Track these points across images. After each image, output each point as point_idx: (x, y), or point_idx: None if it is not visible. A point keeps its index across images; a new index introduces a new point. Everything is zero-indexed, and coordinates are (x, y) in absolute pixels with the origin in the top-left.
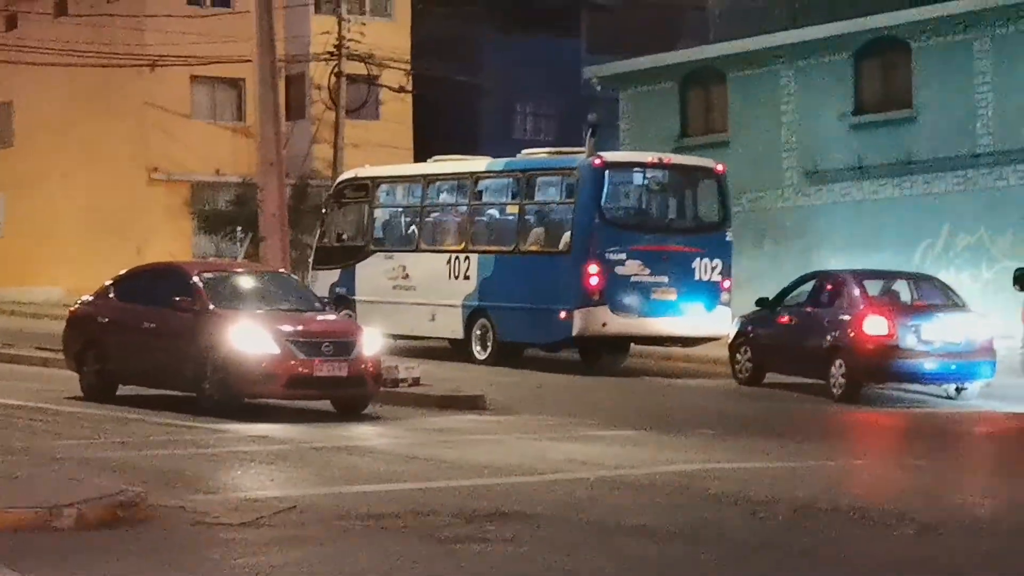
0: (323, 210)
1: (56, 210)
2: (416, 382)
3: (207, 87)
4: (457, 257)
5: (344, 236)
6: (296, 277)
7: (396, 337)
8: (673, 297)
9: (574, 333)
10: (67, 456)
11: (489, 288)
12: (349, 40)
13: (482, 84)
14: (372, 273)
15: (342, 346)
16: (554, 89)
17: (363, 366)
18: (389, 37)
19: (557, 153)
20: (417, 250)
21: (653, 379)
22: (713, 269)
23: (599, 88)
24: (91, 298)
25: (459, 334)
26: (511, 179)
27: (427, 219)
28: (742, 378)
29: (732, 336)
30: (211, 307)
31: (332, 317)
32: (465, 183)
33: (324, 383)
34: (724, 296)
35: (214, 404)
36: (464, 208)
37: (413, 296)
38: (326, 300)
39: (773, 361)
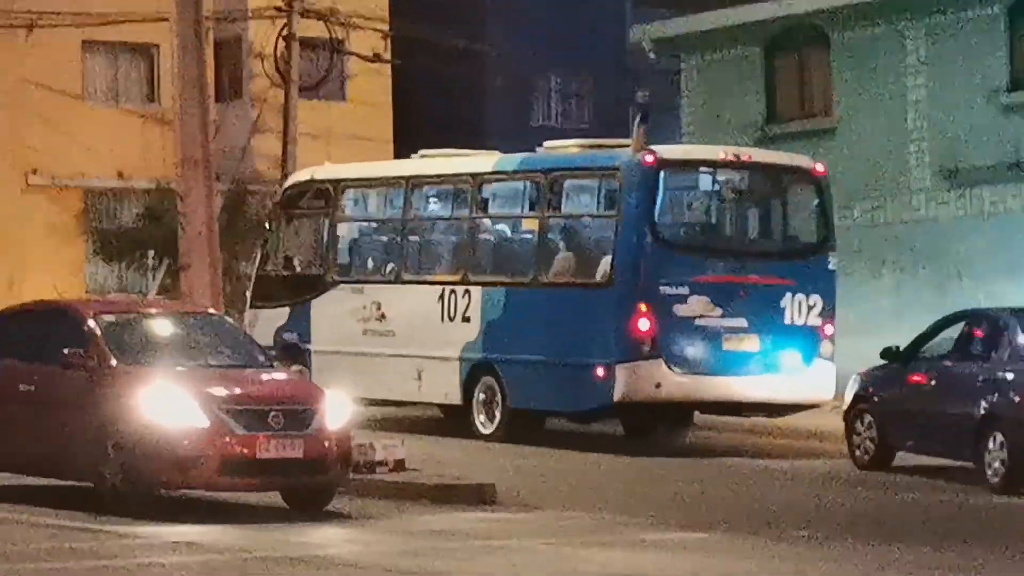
0: (266, 226)
1: None
2: (400, 466)
3: (106, 57)
4: (454, 291)
5: (295, 262)
6: (232, 320)
7: (369, 402)
8: (754, 347)
9: (616, 398)
10: None
11: (498, 334)
12: None
13: (487, 52)
14: (335, 313)
15: (296, 416)
16: (588, 58)
17: (325, 444)
18: None
19: (592, 147)
20: (397, 281)
21: (733, 461)
22: (810, 309)
23: (652, 56)
24: None
25: (456, 398)
26: (529, 183)
27: (411, 238)
28: (863, 459)
29: (848, 402)
30: (113, 363)
31: (282, 376)
32: (465, 188)
33: (272, 467)
34: (826, 346)
35: (118, 498)
36: (464, 223)
37: (392, 345)
38: (272, 351)
39: (905, 436)
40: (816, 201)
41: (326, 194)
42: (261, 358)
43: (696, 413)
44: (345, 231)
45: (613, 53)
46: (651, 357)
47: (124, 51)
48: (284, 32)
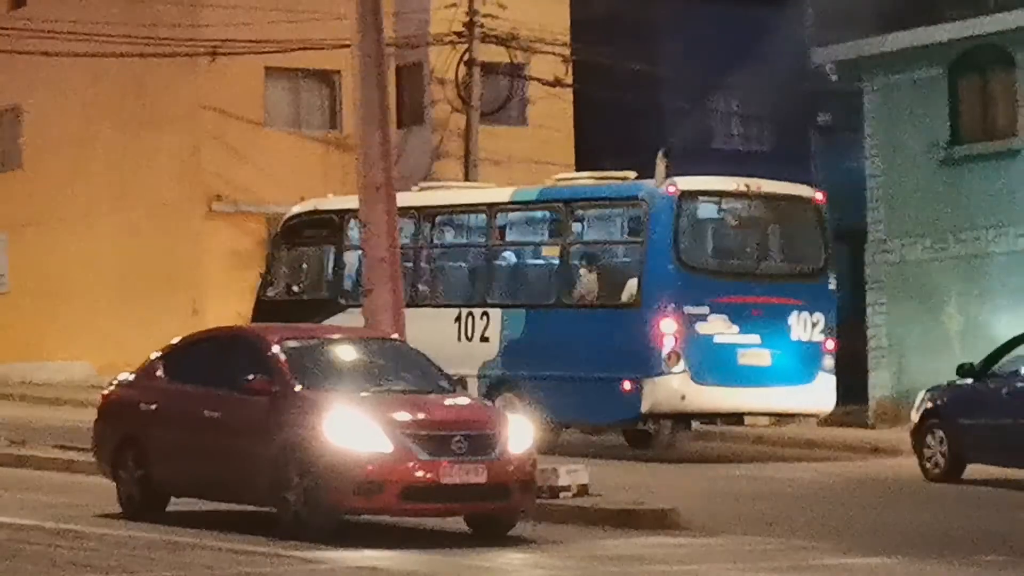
0: (269, 254)
1: (79, 256)
2: (583, 491)
3: (287, 83)
4: (471, 313)
5: (299, 287)
6: (413, 346)
7: None
8: (766, 362)
9: (643, 410)
10: None
11: (518, 352)
12: (484, 16)
13: (666, 74)
14: None
15: (480, 441)
16: (767, 81)
17: (509, 469)
18: (539, 12)
19: (601, 179)
20: (411, 305)
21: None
22: (814, 326)
23: (835, 78)
24: (131, 377)
25: None
26: (549, 212)
27: (425, 264)
28: (934, 472)
29: (918, 417)
30: (297, 388)
31: (464, 401)
32: (482, 217)
33: (455, 493)
34: (827, 360)
35: (301, 523)
36: (481, 250)
37: None
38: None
39: (980, 448)
40: (817, 227)
41: (331, 223)
42: (444, 383)
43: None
44: (353, 258)
45: (793, 75)
46: (677, 372)
47: (305, 77)
48: (465, 57)
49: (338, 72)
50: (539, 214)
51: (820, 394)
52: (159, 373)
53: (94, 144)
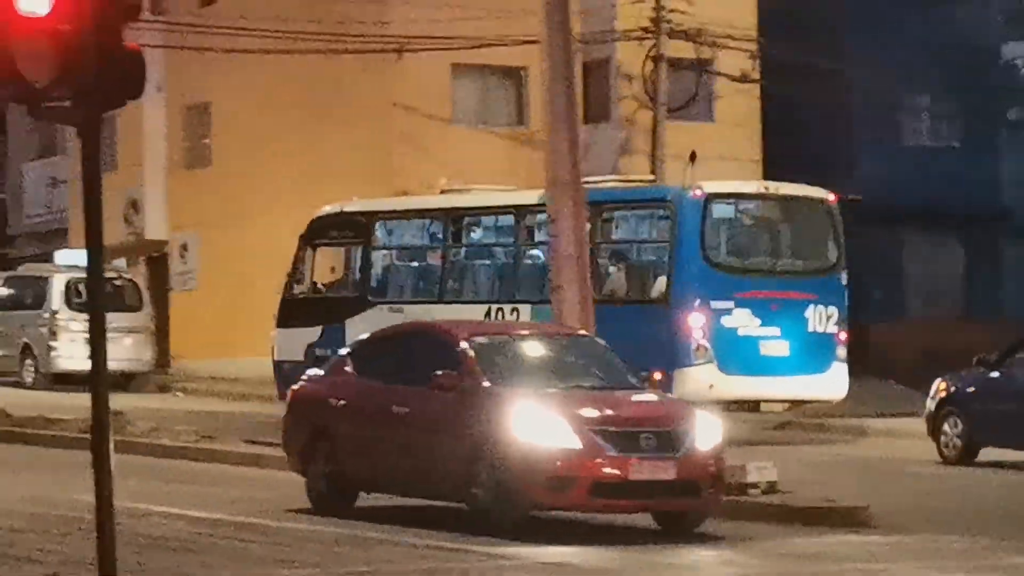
0: (296, 254)
1: (266, 252)
2: (772, 488)
3: (474, 80)
4: (501, 309)
5: (325, 286)
6: (602, 342)
7: None
8: (785, 352)
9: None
10: None
11: None
12: (671, 11)
13: (855, 71)
14: (371, 331)
15: (667, 438)
16: (957, 76)
17: (698, 465)
18: (727, 7)
19: (624, 181)
20: (440, 301)
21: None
22: (828, 319)
23: None
24: (321, 373)
25: None
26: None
27: (455, 263)
28: (950, 455)
29: (934, 405)
30: (485, 384)
31: (653, 397)
32: (511, 219)
33: (643, 489)
34: (840, 351)
35: (489, 519)
36: (511, 249)
37: None
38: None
39: (993, 432)
40: (830, 227)
41: (358, 225)
42: (632, 379)
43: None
44: (381, 258)
45: (983, 70)
46: (705, 362)
47: (492, 74)
48: (652, 53)
49: (525, 68)
50: None
51: (834, 382)
52: (348, 368)
53: (281, 141)
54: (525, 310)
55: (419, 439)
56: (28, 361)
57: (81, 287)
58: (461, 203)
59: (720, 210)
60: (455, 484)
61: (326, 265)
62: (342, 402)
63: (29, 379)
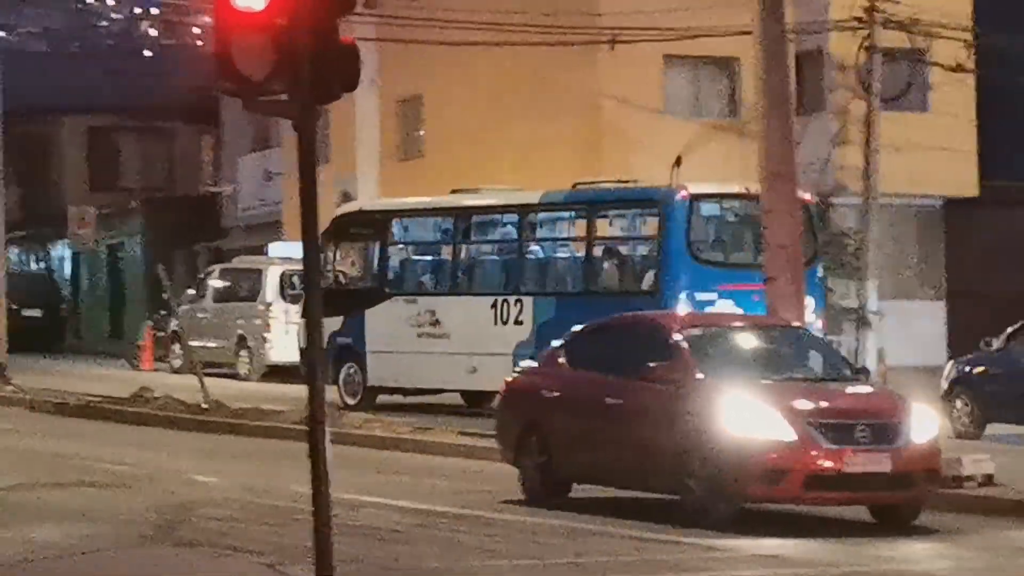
0: (319, 249)
1: None
2: (988, 480)
3: (686, 71)
4: (506, 301)
5: (346, 279)
6: (816, 333)
7: (419, 392)
8: None
9: None
10: None
11: (550, 334)
12: (884, 2)
13: None
14: (389, 320)
15: (883, 430)
16: None
17: (913, 458)
18: None
19: (617, 183)
20: (452, 293)
21: None
22: (805, 308)
23: None
24: (534, 365)
25: None
26: (575, 212)
27: (464, 258)
28: (960, 431)
29: (947, 384)
30: (698, 376)
31: (867, 389)
32: (515, 217)
33: (857, 482)
34: (818, 333)
35: (702, 510)
36: (514, 245)
37: (445, 345)
38: (859, 366)
39: (996, 409)
40: (806, 223)
41: (377, 222)
42: (846, 371)
43: None
44: (397, 253)
45: None
46: None
47: (705, 65)
48: (865, 43)
49: (737, 59)
50: (567, 214)
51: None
52: (561, 360)
53: (493, 133)
54: (528, 302)
55: (632, 431)
56: (243, 353)
57: (295, 279)
58: (469, 202)
59: (704, 209)
60: (668, 476)
61: (348, 260)
62: (555, 394)
63: (244, 370)
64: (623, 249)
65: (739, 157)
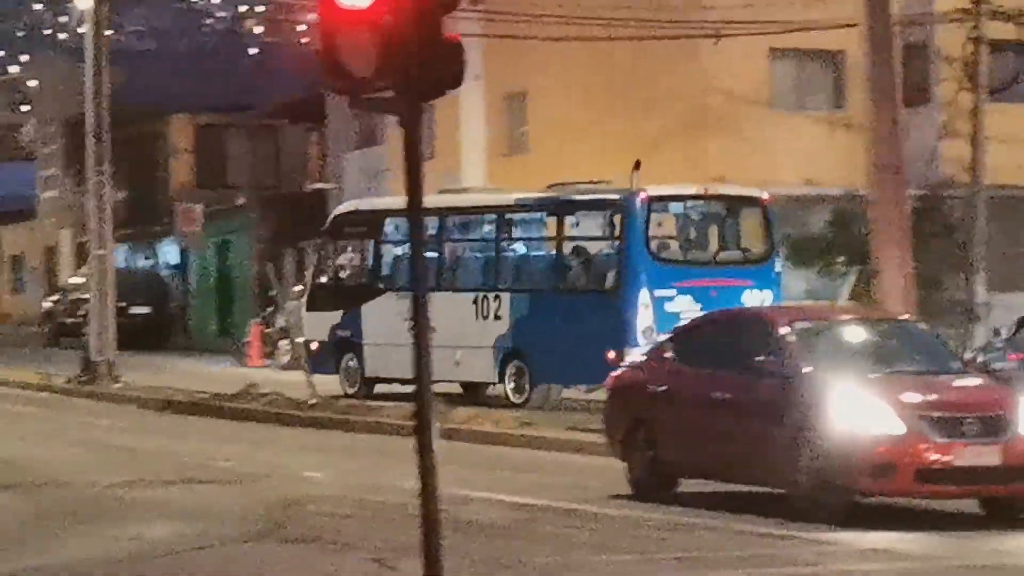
0: (319, 246)
1: None
2: None
3: (792, 64)
4: (486, 296)
5: (345, 275)
6: (925, 326)
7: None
8: None
9: None
10: None
11: (525, 328)
12: None
13: None
14: (382, 314)
15: (992, 422)
16: None
17: (1022, 451)
18: None
19: (589, 183)
20: (437, 289)
21: None
22: (763, 301)
23: None
24: (641, 359)
25: (492, 377)
26: (546, 213)
27: (447, 256)
28: None
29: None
30: (805, 370)
31: (976, 382)
32: (493, 218)
33: (968, 475)
34: None
35: (811, 504)
36: (492, 244)
37: (433, 339)
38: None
39: None
40: (763, 222)
41: (371, 222)
42: (955, 364)
43: None
44: (389, 251)
45: None
46: (650, 343)
47: (810, 57)
48: (972, 35)
49: (843, 52)
50: (539, 215)
51: None
52: (668, 355)
53: (598, 128)
54: (505, 298)
55: (740, 425)
56: None
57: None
58: (452, 203)
59: (662, 210)
60: (776, 470)
61: (346, 257)
62: (662, 388)
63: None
64: (590, 248)
65: (845, 150)
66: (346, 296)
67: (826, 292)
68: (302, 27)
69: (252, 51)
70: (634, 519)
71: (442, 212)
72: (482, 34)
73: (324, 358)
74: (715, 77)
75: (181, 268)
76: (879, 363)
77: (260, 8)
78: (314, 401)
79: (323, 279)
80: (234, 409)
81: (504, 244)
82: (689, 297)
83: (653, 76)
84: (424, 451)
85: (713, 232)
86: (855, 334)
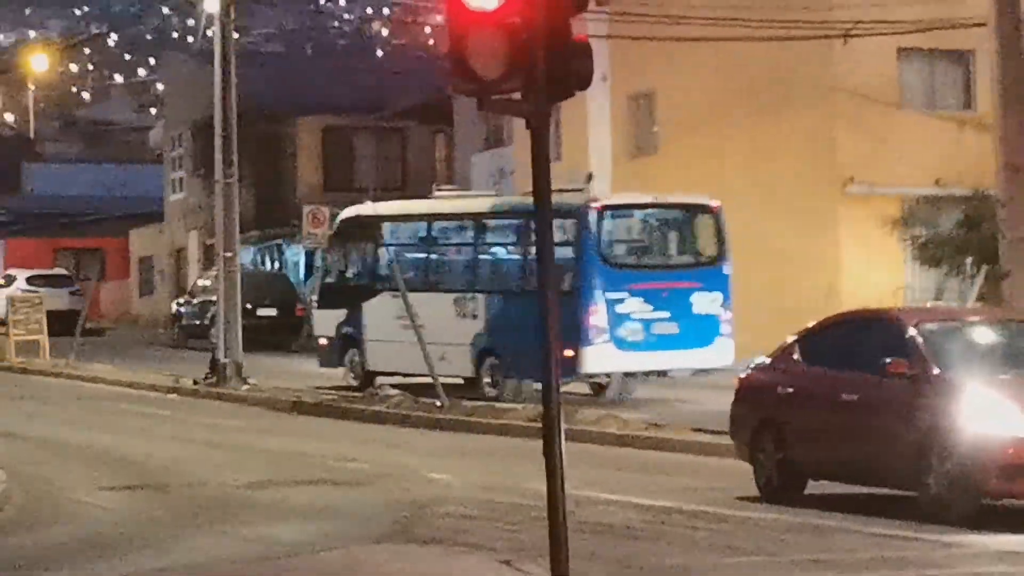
0: (327, 248)
1: None
2: None
3: (921, 63)
4: (464, 297)
5: (349, 275)
6: (725, 325)
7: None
8: (675, 331)
9: (581, 370)
10: None
11: (497, 327)
12: None
13: None
14: (380, 312)
15: None
16: None
17: None
18: None
19: (557, 191)
20: (423, 290)
21: None
22: (712, 302)
23: None
24: (768, 361)
25: (469, 372)
26: (515, 220)
27: (433, 258)
28: None
29: None
30: (935, 371)
31: None
32: (470, 223)
33: None
34: (725, 327)
35: (941, 506)
36: (470, 248)
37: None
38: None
39: None
40: (714, 228)
41: (371, 226)
42: None
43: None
44: (385, 253)
45: None
46: (604, 342)
47: (940, 57)
48: None
49: (972, 51)
50: (510, 221)
51: (720, 353)
52: (796, 356)
53: (724, 127)
54: (481, 299)
55: (868, 427)
56: None
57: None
58: (437, 209)
59: (615, 219)
60: (905, 472)
61: (350, 258)
62: (790, 390)
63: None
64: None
65: (974, 150)
66: (349, 295)
67: (955, 293)
68: (428, 29)
69: (379, 53)
70: (762, 521)
71: (430, 217)
72: (609, 35)
73: (332, 353)
74: (843, 77)
75: (307, 270)
76: (1009, 364)
77: (387, 10)
78: (442, 403)
79: (330, 279)
80: (361, 411)
81: (481, 248)
82: (640, 299)
83: (781, 76)
84: (551, 453)
85: (665, 238)
86: (984, 335)
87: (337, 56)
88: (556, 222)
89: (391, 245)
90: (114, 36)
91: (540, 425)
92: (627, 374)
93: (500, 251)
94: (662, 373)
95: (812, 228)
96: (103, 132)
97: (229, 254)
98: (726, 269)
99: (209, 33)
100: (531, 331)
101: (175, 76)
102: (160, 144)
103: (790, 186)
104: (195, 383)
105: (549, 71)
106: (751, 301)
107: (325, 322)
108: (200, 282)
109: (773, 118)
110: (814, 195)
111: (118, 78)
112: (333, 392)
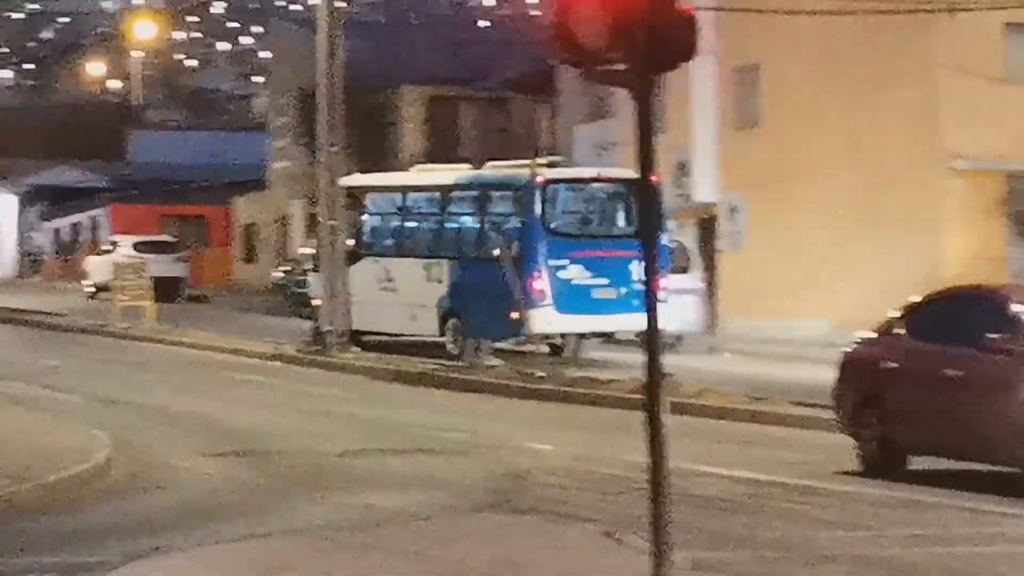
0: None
1: (814, 213)
2: None
3: None
4: (430, 262)
5: (348, 241)
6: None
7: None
8: (613, 296)
9: (527, 332)
10: (837, 553)
11: (458, 291)
12: None
13: None
14: (362, 275)
15: None
16: None
17: None
18: None
19: (517, 166)
20: (397, 255)
21: None
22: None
23: None
24: (873, 336)
25: (435, 332)
26: (474, 192)
27: (406, 226)
28: None
29: None
30: None
31: None
32: (438, 194)
33: None
34: (660, 294)
35: None
36: (437, 218)
37: (396, 298)
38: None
39: None
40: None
41: (355, 196)
42: None
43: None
44: (368, 221)
45: None
46: (546, 306)
47: None
48: None
49: None
50: (471, 193)
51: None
52: (899, 331)
53: (828, 101)
54: (445, 264)
55: (971, 403)
56: None
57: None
58: (411, 181)
59: (557, 191)
60: (1006, 448)
61: (348, 225)
62: (893, 365)
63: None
64: (502, 224)
65: None
66: (349, 259)
67: None
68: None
69: (483, 23)
70: (863, 495)
71: (404, 189)
72: (715, 7)
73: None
74: (948, 52)
75: None
76: None
77: None
78: (542, 373)
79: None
80: (461, 380)
81: (447, 218)
82: (580, 266)
83: (885, 50)
84: (654, 425)
85: (605, 210)
86: None
87: (441, 26)
88: (507, 194)
89: (373, 214)
90: (219, 4)
91: (637, 397)
92: (581, 336)
93: (463, 221)
94: (607, 335)
95: (915, 203)
96: (207, 100)
97: (332, 222)
98: (663, 240)
99: (314, 1)
100: (484, 295)
101: (280, 44)
102: (264, 112)
103: (893, 161)
104: (298, 351)
105: (653, 42)
106: (854, 276)
107: (319, 284)
108: (303, 250)
109: (876, 92)
110: (918, 170)
111: (222, 46)
112: (432, 362)
